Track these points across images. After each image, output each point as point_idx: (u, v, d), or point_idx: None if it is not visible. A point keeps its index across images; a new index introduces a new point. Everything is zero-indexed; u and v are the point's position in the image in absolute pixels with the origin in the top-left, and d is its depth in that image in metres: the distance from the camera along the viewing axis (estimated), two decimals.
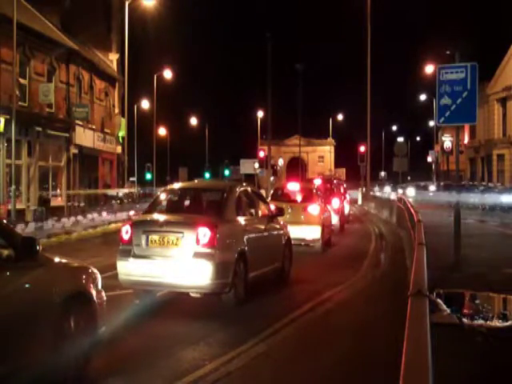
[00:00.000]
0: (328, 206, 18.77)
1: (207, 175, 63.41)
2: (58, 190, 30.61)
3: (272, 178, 50.64)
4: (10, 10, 22.09)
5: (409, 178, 67.78)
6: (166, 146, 73.53)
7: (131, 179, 54.88)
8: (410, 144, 64.32)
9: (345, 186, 28.82)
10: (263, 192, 25.18)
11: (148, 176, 61.87)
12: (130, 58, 34.25)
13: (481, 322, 7.93)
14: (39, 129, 27.26)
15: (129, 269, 8.93)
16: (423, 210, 22.42)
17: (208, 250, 8.61)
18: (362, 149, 44.32)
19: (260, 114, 67.43)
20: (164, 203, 10.58)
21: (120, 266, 9.04)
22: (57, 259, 6.06)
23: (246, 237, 9.62)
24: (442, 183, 53.55)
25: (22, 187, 26.38)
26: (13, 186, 22.53)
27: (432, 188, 58.34)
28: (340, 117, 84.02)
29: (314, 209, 16.38)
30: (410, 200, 23.92)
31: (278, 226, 11.53)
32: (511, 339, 7.39)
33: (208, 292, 8.86)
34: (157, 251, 8.86)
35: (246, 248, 9.42)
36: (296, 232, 14.13)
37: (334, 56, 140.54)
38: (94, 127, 34.98)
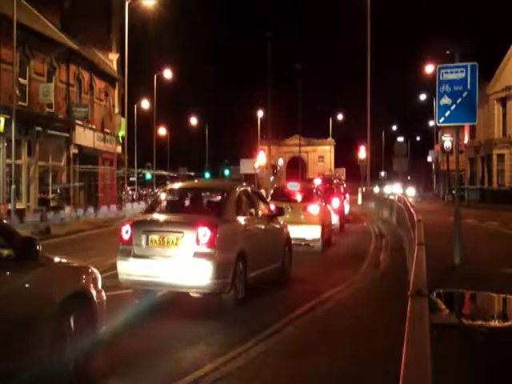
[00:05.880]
0: (328, 206, 18.77)
1: (207, 175, 63.48)
2: (58, 190, 30.60)
3: (272, 178, 50.64)
4: (10, 9, 22.09)
5: (409, 177, 67.78)
6: (166, 146, 73.58)
7: (131, 179, 54.95)
8: (409, 144, 64.32)
9: (345, 185, 28.81)
10: (263, 192, 25.19)
11: (148, 176, 61.92)
12: (129, 58, 34.18)
13: (481, 322, 7.92)
14: (39, 129, 27.24)
15: (129, 269, 8.93)
16: None
17: (208, 250, 8.61)
18: (362, 149, 44.33)
19: (260, 113, 67.40)
20: (164, 203, 10.59)
21: (120, 266, 9.04)
22: (57, 259, 6.06)
23: (245, 237, 9.62)
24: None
25: (22, 187, 26.37)
26: (13, 186, 22.52)
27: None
28: (340, 117, 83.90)
29: (313, 209, 16.38)
30: (410, 200, 23.92)
31: (277, 226, 11.54)
32: (511, 339, 7.39)
33: (208, 292, 8.86)
34: (157, 251, 8.86)
35: (246, 248, 9.42)
36: (296, 232, 14.13)
37: (334, 56, 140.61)
38: (94, 127, 34.98)
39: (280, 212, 11.79)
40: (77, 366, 5.79)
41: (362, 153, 45.40)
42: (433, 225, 19.59)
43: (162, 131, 70.25)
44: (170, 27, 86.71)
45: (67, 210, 29.56)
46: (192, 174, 63.89)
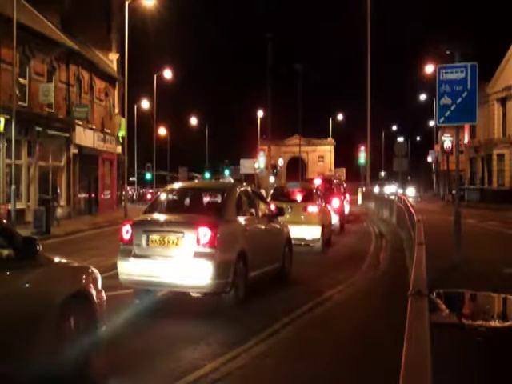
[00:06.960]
0: (328, 206, 18.77)
1: (207, 175, 63.47)
2: (58, 190, 30.56)
3: (272, 178, 50.63)
4: (10, 9, 22.07)
5: (409, 177, 67.80)
6: (166, 146, 73.54)
7: (131, 179, 54.93)
8: (409, 144, 64.31)
9: (345, 185, 28.81)
10: (263, 192, 25.20)
11: (148, 176, 61.89)
12: (130, 58, 34.15)
13: (481, 322, 7.92)
14: (39, 129, 27.21)
15: (129, 268, 8.93)
16: None
17: (208, 250, 8.62)
18: (362, 149, 44.33)
19: (260, 113, 67.36)
20: (164, 203, 10.58)
21: (120, 266, 9.05)
22: (57, 259, 6.07)
23: (246, 237, 9.62)
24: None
25: (22, 187, 26.35)
26: (13, 186, 22.50)
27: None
28: (340, 117, 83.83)
29: (313, 209, 16.38)
30: (410, 200, 23.92)
31: (278, 226, 11.54)
32: (511, 339, 7.39)
33: (208, 292, 8.86)
34: (157, 251, 8.86)
35: (246, 248, 9.42)
36: (296, 232, 14.14)
37: (334, 56, 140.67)
38: (94, 127, 34.94)
39: (280, 212, 11.80)
40: (77, 366, 5.79)
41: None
42: (433, 225, 19.59)
43: (162, 131, 70.22)
44: (170, 27, 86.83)
45: (67, 210, 29.58)
46: (198, 175, 63.46)
